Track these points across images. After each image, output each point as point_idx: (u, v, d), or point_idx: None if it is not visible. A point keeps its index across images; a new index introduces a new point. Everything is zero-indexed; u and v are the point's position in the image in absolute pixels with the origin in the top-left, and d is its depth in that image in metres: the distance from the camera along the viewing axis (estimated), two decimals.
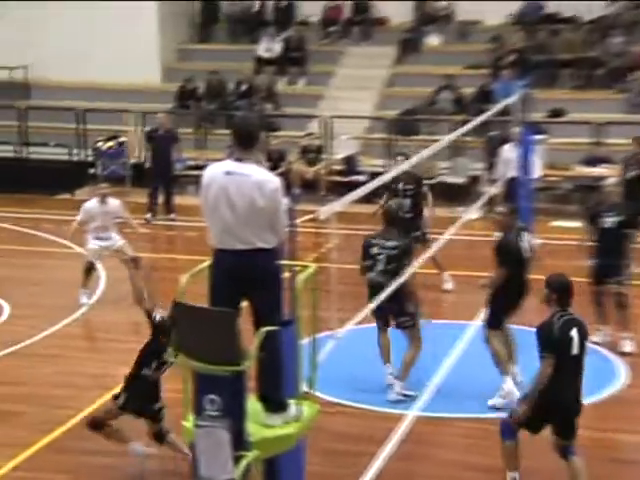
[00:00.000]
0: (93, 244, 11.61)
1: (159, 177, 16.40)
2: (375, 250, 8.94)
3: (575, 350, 6.58)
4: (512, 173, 13.44)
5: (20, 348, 9.72)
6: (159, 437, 7.64)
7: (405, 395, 8.77)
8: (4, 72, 19.99)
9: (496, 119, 16.37)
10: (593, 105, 17.80)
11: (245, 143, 6.01)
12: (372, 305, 8.19)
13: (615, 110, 17.82)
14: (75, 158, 18.59)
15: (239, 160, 6.02)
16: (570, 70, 18.83)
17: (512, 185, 13.24)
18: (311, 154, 17.33)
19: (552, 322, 6.61)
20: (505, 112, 15.63)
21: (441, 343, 9.69)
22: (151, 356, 7.55)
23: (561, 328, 6.57)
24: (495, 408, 8.39)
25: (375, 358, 9.12)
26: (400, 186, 11.68)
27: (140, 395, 7.52)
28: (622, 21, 19.16)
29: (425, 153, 9.52)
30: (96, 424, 7.41)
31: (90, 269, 11.55)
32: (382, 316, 8.89)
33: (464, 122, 14.02)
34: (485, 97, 18.11)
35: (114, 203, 11.81)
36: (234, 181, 5.94)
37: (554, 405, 6.61)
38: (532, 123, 14.83)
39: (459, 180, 17.16)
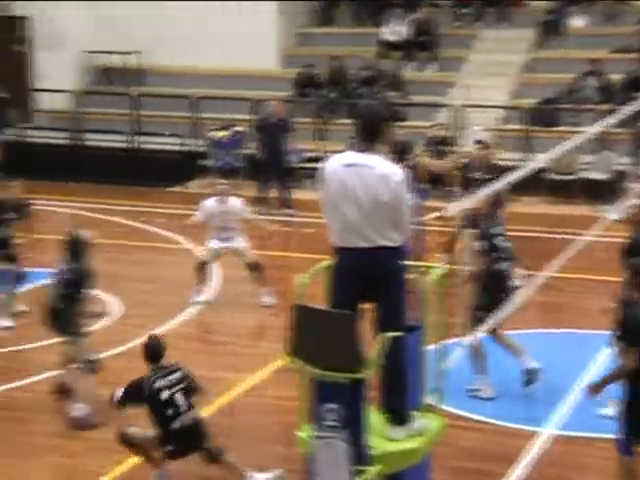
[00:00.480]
0: (213, 244, 11.78)
1: (271, 169, 16.58)
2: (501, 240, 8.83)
3: None
4: None
5: (130, 348, 10.00)
6: (212, 457, 7.41)
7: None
8: (117, 58, 20.60)
9: None
10: None
11: (369, 134, 6.02)
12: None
13: None
14: (187, 148, 18.95)
15: (362, 151, 6.04)
16: None
17: None
18: (439, 146, 17.20)
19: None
20: None
21: (579, 354, 9.50)
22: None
23: None
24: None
25: (506, 368, 9.02)
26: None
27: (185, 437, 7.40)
28: None
29: (566, 146, 9.35)
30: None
31: (202, 268, 11.76)
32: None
33: (610, 112, 13.70)
34: (635, 84, 17.63)
35: (235, 202, 11.84)
36: (357, 174, 5.96)
37: None
38: None
39: (603, 176, 16.77)
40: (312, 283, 6.21)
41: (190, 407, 7.39)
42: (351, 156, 6.08)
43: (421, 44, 20.21)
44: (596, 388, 6.68)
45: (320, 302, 6.07)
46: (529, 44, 19.95)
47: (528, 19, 20.10)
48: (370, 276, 6.02)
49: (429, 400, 6.38)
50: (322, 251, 6.42)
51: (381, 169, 5.99)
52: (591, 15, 20.09)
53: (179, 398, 7.34)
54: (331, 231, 6.14)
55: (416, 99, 19.19)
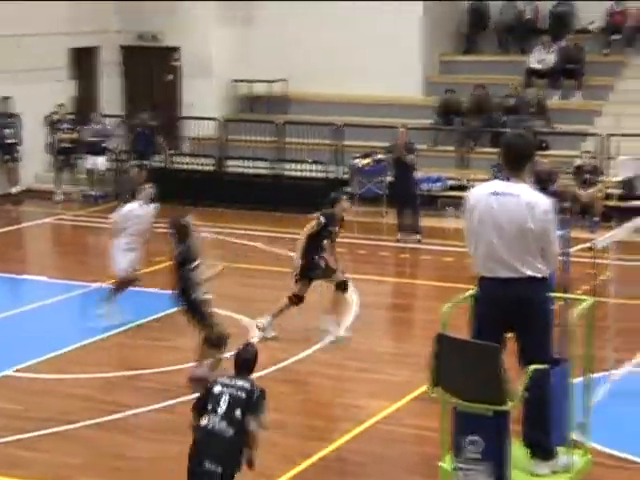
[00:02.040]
0: None
1: (400, 196, 16.59)
2: None
3: None
4: None
5: (270, 372, 10.10)
6: None
7: None
8: (263, 86, 21.02)
9: None
10: None
11: (515, 163, 5.99)
12: None
13: None
14: (329, 175, 19.11)
15: (507, 180, 6.00)
16: None
17: None
18: (586, 175, 16.87)
19: None
20: None
21: None
22: None
23: None
24: None
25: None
26: None
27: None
28: None
29: None
30: None
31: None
32: None
33: None
34: None
35: None
36: (502, 202, 5.92)
37: None
38: None
39: None
40: (456, 312, 6.15)
41: (229, 419, 6.45)
42: (497, 185, 6.05)
43: (568, 72, 19.89)
44: None
45: (463, 332, 6.00)
46: None
47: None
48: (514, 307, 5.94)
49: (575, 436, 6.21)
50: (462, 280, 6.35)
51: (527, 198, 5.93)
52: None
53: (224, 400, 6.50)
54: (475, 260, 6.09)
55: (561, 128, 18.87)
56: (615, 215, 15.64)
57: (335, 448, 8.29)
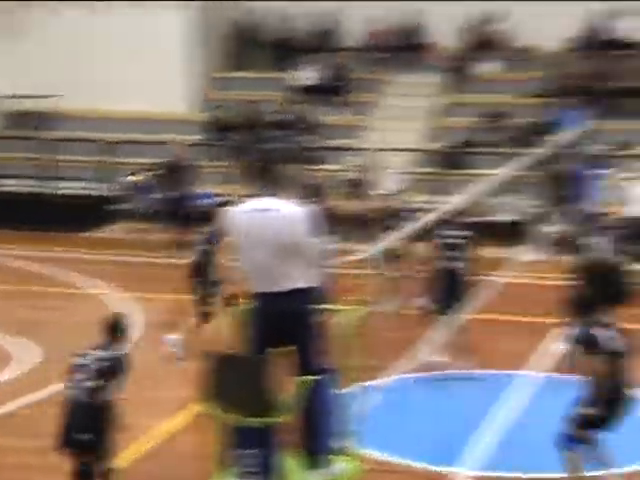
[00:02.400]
0: None
1: (174, 212, 16.55)
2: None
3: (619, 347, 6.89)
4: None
5: (52, 394, 9.78)
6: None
7: None
8: (32, 101, 20.37)
9: (556, 152, 16.38)
10: None
11: (273, 178, 6.10)
12: None
13: None
14: (98, 193, 18.77)
15: (265, 196, 6.09)
16: (637, 99, 18.74)
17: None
18: (355, 189, 17.37)
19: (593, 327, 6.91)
20: (564, 144, 15.66)
21: (491, 394, 9.61)
22: None
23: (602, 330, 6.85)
24: None
25: (425, 410, 9.06)
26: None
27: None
28: None
29: (476, 189, 9.52)
30: None
31: None
32: None
33: (519, 156, 14.01)
34: (543, 129, 18.08)
35: None
36: (264, 218, 6.01)
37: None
38: (596, 157, 14.81)
39: (513, 218, 17.06)
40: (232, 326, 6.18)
41: (91, 389, 6.81)
42: (258, 202, 6.13)
43: (334, 89, 20.45)
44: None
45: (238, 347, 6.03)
46: (440, 89, 20.33)
47: (439, 64, 20.48)
48: (285, 320, 6.03)
49: (347, 443, 6.37)
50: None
51: (288, 211, 6.05)
52: (499, 61, 20.57)
53: (87, 371, 6.86)
54: (244, 276, 6.15)
55: (330, 143, 19.36)
56: (384, 227, 16.19)
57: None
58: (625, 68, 19.07)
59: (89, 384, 6.79)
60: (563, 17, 19.45)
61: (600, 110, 18.28)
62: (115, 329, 7.01)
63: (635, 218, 13.98)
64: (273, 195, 6.11)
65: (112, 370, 6.84)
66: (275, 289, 6.04)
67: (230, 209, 6.23)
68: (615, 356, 6.88)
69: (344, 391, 6.37)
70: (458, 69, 20.37)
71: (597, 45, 19.70)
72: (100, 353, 6.88)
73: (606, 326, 6.92)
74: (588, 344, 6.87)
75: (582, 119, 13.80)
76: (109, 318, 7.12)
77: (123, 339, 7.00)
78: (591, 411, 6.88)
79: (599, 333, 6.86)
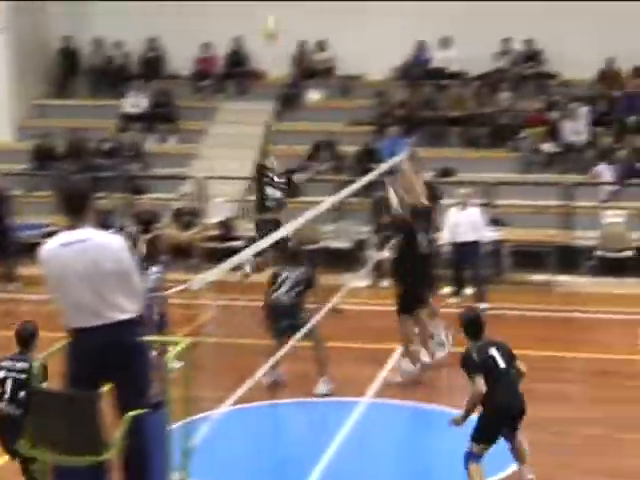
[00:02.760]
0: None
1: None
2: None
3: (502, 364, 7.70)
4: (461, 237, 14.17)
5: None
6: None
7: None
8: None
9: (382, 179, 16.68)
10: (483, 164, 18.32)
11: (77, 208, 6.00)
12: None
13: (506, 169, 18.38)
14: None
15: (73, 228, 5.97)
16: (459, 128, 19.38)
17: (464, 251, 13.92)
18: (185, 217, 17.20)
19: (469, 349, 7.78)
20: (391, 172, 15.96)
21: (327, 424, 9.64)
22: None
23: (479, 351, 7.73)
24: None
25: (257, 440, 8.99)
26: None
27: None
28: (510, 76, 19.89)
29: (307, 216, 9.55)
30: None
31: None
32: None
33: (347, 182, 14.19)
34: (369, 156, 18.44)
35: None
36: (73, 251, 5.87)
37: (507, 415, 7.74)
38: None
39: (343, 245, 17.31)
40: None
41: (16, 401, 7.17)
42: (64, 235, 6.00)
43: (162, 116, 20.30)
44: (459, 420, 7.74)
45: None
46: (269, 117, 20.44)
47: (267, 92, 20.62)
48: (107, 354, 5.86)
49: (176, 478, 6.23)
50: (58, 329, 6.18)
51: (98, 240, 5.95)
52: (326, 89, 20.89)
53: (8, 384, 7.26)
54: (63, 313, 5.97)
55: (158, 171, 19.17)
56: (215, 256, 16.10)
57: None
58: (448, 97, 19.71)
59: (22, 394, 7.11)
60: (390, 47, 19.97)
61: (423, 138, 18.82)
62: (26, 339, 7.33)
63: (450, 244, 14.41)
64: (75, 227, 5.97)
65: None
66: (94, 323, 5.87)
67: (43, 245, 6.05)
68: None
69: (174, 425, 6.22)
70: (288, 97, 20.56)
71: (422, 75, 20.27)
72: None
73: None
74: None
75: (406, 147, 14.08)
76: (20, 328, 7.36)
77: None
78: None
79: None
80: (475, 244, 14.46)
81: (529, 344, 11.95)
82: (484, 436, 7.70)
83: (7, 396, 7.20)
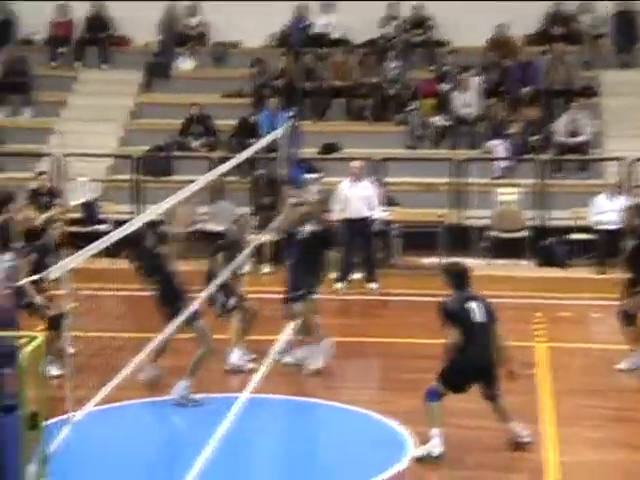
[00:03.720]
0: None
1: None
2: None
3: (478, 318, 8.51)
4: (353, 214, 14.29)
5: None
6: None
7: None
8: None
9: (261, 156, 16.69)
10: (369, 139, 18.47)
11: None
12: None
13: (394, 145, 18.57)
14: None
15: None
16: (343, 99, 19.47)
17: (355, 227, 14.12)
18: (43, 198, 16.81)
19: (447, 299, 8.62)
20: (271, 147, 15.97)
21: (207, 420, 9.61)
22: None
23: (457, 302, 8.56)
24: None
25: (125, 444, 8.90)
26: None
27: None
28: (397, 44, 20.03)
29: (179, 197, 9.46)
30: None
31: None
32: None
33: (223, 159, 14.13)
34: (247, 130, 18.37)
35: None
36: None
37: (475, 368, 8.57)
38: (302, 160, 15.22)
39: (221, 227, 17.20)
40: None
41: None
42: None
43: (14, 86, 19.78)
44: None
45: None
46: (136, 87, 20.18)
47: (133, 60, 20.32)
48: None
49: None
50: None
51: None
52: (199, 57, 20.71)
53: None
54: None
55: (11, 148, 18.75)
56: (75, 241, 15.81)
57: None
58: (331, 66, 19.73)
59: None
60: (267, 11, 19.92)
61: (305, 110, 18.86)
62: None
63: (341, 221, 14.50)
64: None
65: None
66: None
67: None
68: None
69: (32, 428, 6.11)
70: (156, 66, 20.29)
71: (302, 42, 20.27)
72: None
73: None
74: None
75: (287, 120, 14.11)
76: None
77: None
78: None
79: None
80: (366, 221, 14.58)
81: (416, 332, 12.15)
82: (450, 381, 8.57)
83: None
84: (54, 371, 9.44)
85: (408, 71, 19.60)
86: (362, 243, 14.76)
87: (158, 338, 9.03)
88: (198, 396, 9.98)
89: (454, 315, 8.55)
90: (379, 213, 14.97)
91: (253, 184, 17.44)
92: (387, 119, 19.11)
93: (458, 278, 8.74)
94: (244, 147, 16.53)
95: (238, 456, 8.88)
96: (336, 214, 14.41)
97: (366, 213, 14.54)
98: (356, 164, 14.87)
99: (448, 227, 16.42)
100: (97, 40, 20.68)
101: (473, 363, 8.56)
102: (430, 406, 8.62)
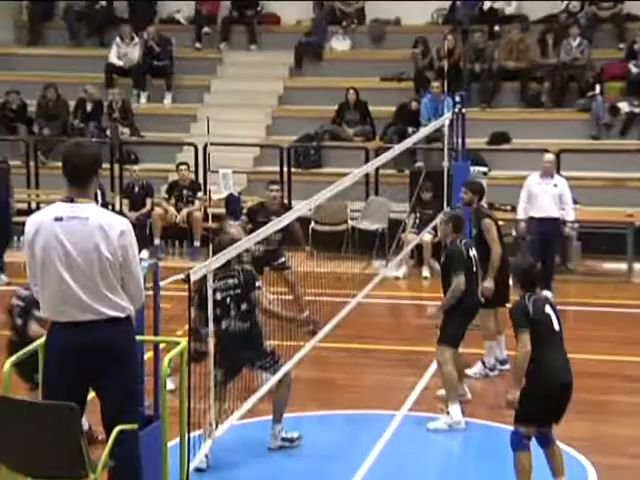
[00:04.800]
0: None
1: None
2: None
3: (556, 326, 7.86)
4: (542, 213, 14.08)
5: None
6: None
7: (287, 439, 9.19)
8: None
9: (422, 147, 16.76)
10: (547, 128, 18.28)
11: (79, 178, 5.97)
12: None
13: (575, 134, 18.33)
14: None
15: (71, 200, 5.97)
16: (516, 82, 19.33)
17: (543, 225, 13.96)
18: (182, 192, 17.24)
19: (523, 300, 7.88)
20: (433, 137, 16.00)
21: (362, 438, 9.71)
22: None
23: (535, 304, 7.83)
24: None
25: (265, 458, 9.07)
26: None
27: None
28: (582, 19, 19.72)
29: (328, 192, 9.59)
30: None
31: None
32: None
33: (380, 150, 14.23)
34: (407, 117, 18.43)
35: None
36: (68, 228, 5.86)
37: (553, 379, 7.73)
38: (469, 152, 15.17)
39: (376, 226, 17.31)
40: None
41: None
42: (60, 207, 5.97)
43: (155, 69, 20.26)
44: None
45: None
46: (285, 71, 20.44)
47: (283, 41, 20.56)
48: (94, 356, 5.92)
49: None
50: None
51: (99, 219, 5.93)
52: (355, 37, 20.86)
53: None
54: (43, 303, 6.01)
55: (151, 136, 19.22)
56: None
57: None
58: (505, 45, 19.58)
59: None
60: None
61: (473, 96, 18.78)
62: None
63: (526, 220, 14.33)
64: (76, 200, 5.97)
65: None
66: (82, 317, 5.91)
67: (32, 217, 6.06)
68: None
69: (170, 441, 6.32)
70: (308, 47, 20.50)
71: (471, 18, 20.21)
72: None
73: None
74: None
75: (452, 106, 14.09)
76: None
77: None
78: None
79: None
80: (557, 222, 14.38)
81: (596, 347, 11.99)
82: (532, 411, 7.66)
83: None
84: (170, 385, 9.60)
85: (593, 50, 19.30)
86: (548, 253, 14.40)
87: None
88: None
89: (534, 320, 7.75)
90: (572, 215, 14.69)
91: (412, 178, 17.46)
92: (567, 105, 18.88)
93: (531, 276, 8.04)
94: (403, 136, 16.67)
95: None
96: (520, 213, 14.29)
97: (557, 214, 14.28)
98: (550, 157, 14.61)
99: (638, 229, 16.04)
100: (244, 19, 21.05)
101: (556, 378, 7.71)
102: (519, 459, 7.75)
